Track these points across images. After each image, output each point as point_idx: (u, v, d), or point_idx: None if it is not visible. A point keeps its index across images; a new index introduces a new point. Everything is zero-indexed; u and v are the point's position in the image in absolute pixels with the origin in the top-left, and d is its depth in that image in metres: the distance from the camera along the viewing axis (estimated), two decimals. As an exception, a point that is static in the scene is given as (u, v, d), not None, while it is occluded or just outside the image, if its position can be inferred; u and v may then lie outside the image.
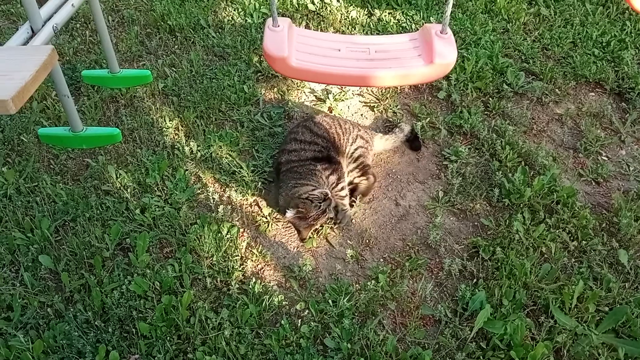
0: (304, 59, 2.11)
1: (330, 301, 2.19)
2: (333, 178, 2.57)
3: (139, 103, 3.10)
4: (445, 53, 2.01)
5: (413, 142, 2.89)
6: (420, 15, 3.67)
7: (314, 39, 2.28)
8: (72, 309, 2.17)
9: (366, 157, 2.72)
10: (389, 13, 3.73)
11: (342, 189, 2.58)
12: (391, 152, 2.87)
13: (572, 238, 2.40)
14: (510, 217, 2.48)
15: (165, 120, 2.99)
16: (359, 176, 2.68)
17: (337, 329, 2.08)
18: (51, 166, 2.78)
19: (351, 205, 2.61)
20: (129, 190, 2.61)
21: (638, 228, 2.39)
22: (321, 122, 2.73)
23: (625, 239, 2.38)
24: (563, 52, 3.40)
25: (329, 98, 3.12)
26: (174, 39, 3.59)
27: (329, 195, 2.44)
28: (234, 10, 3.79)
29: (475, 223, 2.53)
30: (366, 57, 2.15)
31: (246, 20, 3.69)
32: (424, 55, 2.09)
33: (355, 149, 2.70)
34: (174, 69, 3.34)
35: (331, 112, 3.09)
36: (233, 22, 3.70)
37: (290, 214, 2.40)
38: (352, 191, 2.67)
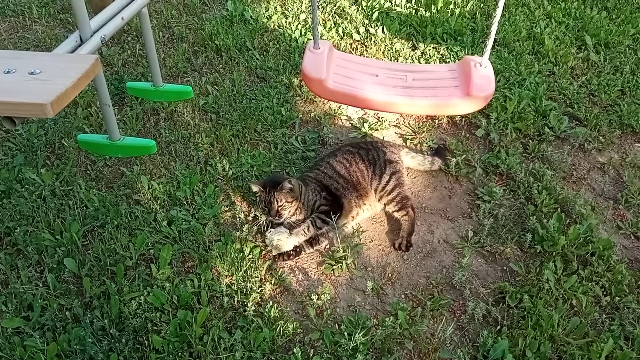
0: (341, 82, 2.11)
1: (345, 334, 2.14)
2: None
3: (179, 117, 3.16)
4: (484, 86, 1.98)
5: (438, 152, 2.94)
6: (465, 52, 3.64)
7: (353, 62, 2.28)
8: (89, 315, 2.18)
9: (402, 184, 2.64)
10: (433, 47, 3.71)
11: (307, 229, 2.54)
12: (422, 187, 2.82)
13: (605, 293, 2.29)
14: (542, 264, 2.38)
15: (202, 136, 3.03)
16: (396, 210, 2.59)
17: (350, 363, 2.03)
18: (88, 172, 2.85)
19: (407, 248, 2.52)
20: (158, 201, 2.64)
21: (678, 289, 2.27)
22: (342, 160, 2.70)
23: (663, 299, 2.26)
24: (610, 99, 3.30)
25: (364, 127, 3.10)
26: (219, 58, 3.67)
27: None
28: (281, 34, 3.85)
29: (504, 267, 2.44)
30: (403, 84, 2.14)
31: (291, 45, 3.74)
32: (461, 87, 2.06)
33: (389, 180, 2.63)
34: (216, 87, 3.40)
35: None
36: (278, 46, 3.75)
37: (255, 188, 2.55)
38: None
